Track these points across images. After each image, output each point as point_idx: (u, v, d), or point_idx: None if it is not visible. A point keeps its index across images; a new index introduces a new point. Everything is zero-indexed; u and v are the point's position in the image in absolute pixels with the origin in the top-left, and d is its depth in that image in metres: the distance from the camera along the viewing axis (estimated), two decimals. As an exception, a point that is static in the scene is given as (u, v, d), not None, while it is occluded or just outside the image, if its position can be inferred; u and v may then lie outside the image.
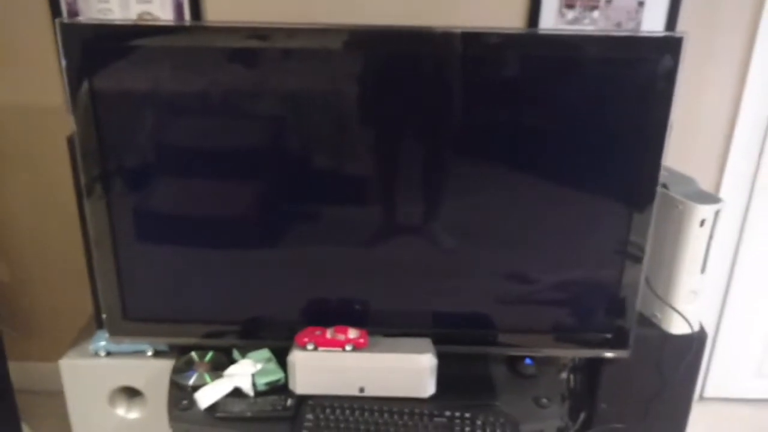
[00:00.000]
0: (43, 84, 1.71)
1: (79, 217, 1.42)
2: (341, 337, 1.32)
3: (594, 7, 1.60)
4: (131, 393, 1.56)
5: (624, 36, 1.21)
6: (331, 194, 1.31)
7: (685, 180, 1.45)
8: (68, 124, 1.70)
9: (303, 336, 1.33)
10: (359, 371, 1.33)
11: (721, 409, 2.04)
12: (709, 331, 1.96)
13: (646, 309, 1.50)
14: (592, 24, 1.62)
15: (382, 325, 1.41)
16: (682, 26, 1.61)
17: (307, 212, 1.33)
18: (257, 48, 1.21)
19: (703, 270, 1.41)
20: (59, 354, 1.55)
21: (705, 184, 1.71)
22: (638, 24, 1.61)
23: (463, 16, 1.63)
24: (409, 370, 1.33)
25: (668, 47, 1.19)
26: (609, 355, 1.43)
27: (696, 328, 1.45)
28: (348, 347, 1.32)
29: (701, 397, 2.06)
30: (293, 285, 1.39)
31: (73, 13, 1.62)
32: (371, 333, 1.36)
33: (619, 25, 1.62)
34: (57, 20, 1.21)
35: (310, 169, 1.29)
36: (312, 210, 1.33)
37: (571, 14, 1.61)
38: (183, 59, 1.22)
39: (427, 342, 1.37)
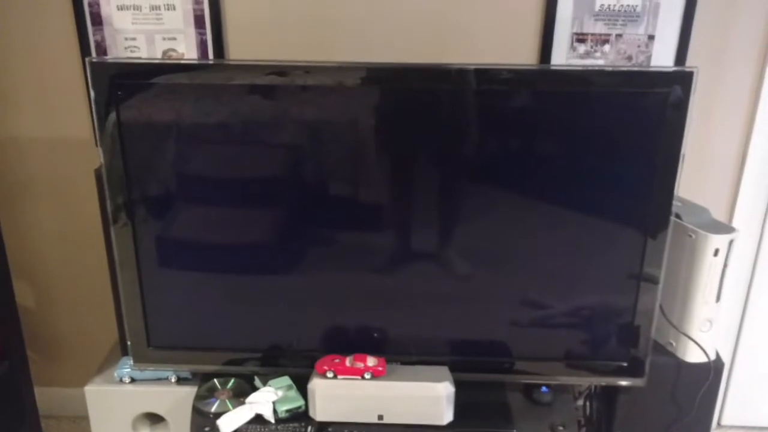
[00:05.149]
0: (72, 118, 1.74)
1: (105, 246, 1.44)
2: (360, 365, 1.34)
3: (605, 41, 1.61)
4: (154, 419, 1.56)
5: (636, 71, 1.22)
6: (349, 223, 1.33)
7: (699, 210, 1.45)
8: (95, 157, 1.75)
9: (323, 364, 1.35)
10: (378, 399, 1.34)
11: (740, 436, 2.02)
12: (726, 358, 1.94)
13: (662, 337, 1.49)
14: (603, 57, 1.63)
15: (401, 352, 1.42)
16: (691, 59, 1.62)
17: (327, 241, 1.35)
18: (277, 84, 1.24)
19: (717, 299, 1.41)
20: (84, 380, 1.55)
21: (718, 214, 1.71)
22: (648, 57, 1.62)
23: (478, 52, 1.65)
24: (426, 398, 1.33)
25: (680, 81, 1.20)
26: (624, 383, 1.43)
27: (712, 357, 1.45)
28: (367, 375, 1.33)
29: (719, 425, 2.04)
30: (313, 313, 1.41)
31: (102, 49, 1.65)
32: (389, 360, 1.37)
33: (629, 58, 1.63)
34: (87, 59, 1.24)
35: (329, 198, 1.32)
36: (331, 239, 1.35)
37: (582, 48, 1.62)
38: (206, 94, 1.25)
39: (444, 370, 1.38)
